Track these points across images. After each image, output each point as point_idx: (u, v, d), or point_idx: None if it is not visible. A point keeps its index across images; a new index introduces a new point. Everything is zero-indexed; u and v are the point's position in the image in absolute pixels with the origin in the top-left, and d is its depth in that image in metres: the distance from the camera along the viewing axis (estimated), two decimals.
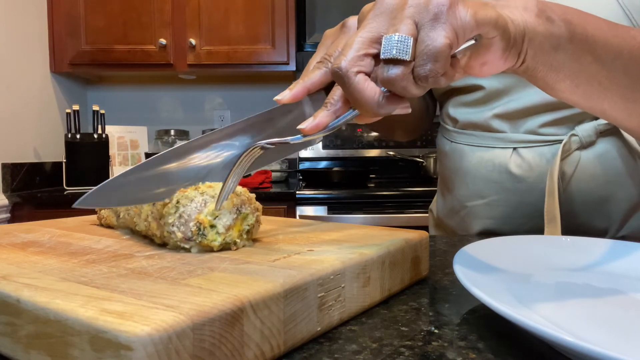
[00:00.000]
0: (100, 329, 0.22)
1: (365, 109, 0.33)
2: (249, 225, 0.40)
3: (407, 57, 0.31)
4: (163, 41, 2.01)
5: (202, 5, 2.04)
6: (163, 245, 0.40)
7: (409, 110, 0.35)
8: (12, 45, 1.85)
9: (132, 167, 0.41)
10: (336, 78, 0.33)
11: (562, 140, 0.65)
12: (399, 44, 0.31)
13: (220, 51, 2.04)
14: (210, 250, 0.38)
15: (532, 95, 0.66)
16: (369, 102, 0.33)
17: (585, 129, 0.65)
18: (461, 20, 0.32)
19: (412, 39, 0.31)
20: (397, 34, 0.31)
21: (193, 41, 2.02)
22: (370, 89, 0.33)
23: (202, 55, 2.04)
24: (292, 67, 2.07)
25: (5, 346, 0.28)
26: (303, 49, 1.99)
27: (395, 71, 0.32)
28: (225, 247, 0.38)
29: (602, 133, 0.65)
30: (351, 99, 0.34)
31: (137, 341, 0.21)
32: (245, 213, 0.39)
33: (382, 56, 0.32)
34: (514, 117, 0.69)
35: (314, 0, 1.95)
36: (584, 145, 0.65)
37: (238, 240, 0.39)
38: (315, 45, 1.97)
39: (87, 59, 2.05)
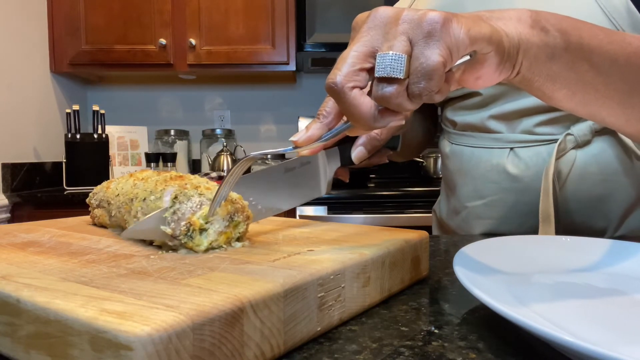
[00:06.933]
0: (100, 329, 0.22)
1: (361, 123, 0.33)
2: (239, 233, 0.40)
3: (401, 75, 0.31)
4: (163, 41, 2.01)
5: (202, 5, 2.04)
6: (161, 245, 0.40)
7: (403, 122, 0.35)
8: (12, 45, 1.85)
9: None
10: (332, 93, 0.33)
11: (558, 139, 0.65)
12: (393, 62, 0.31)
13: (220, 51, 2.04)
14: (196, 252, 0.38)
15: (528, 97, 0.67)
16: (364, 117, 0.32)
17: (580, 129, 0.65)
18: (455, 37, 0.31)
19: (406, 56, 0.31)
20: (391, 51, 0.31)
21: (193, 41, 2.01)
22: (366, 104, 0.32)
23: (202, 55, 2.04)
24: (292, 67, 2.07)
25: (5, 346, 0.28)
26: (303, 49, 1.98)
27: (389, 89, 0.31)
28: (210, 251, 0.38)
29: (598, 132, 0.65)
30: (347, 114, 0.33)
31: (137, 341, 0.21)
32: (237, 221, 0.39)
33: (376, 74, 0.32)
34: (510, 117, 0.69)
35: (313, 0, 1.95)
36: (580, 145, 0.65)
37: (224, 246, 0.39)
38: (315, 45, 1.97)
39: (87, 59, 2.04)
